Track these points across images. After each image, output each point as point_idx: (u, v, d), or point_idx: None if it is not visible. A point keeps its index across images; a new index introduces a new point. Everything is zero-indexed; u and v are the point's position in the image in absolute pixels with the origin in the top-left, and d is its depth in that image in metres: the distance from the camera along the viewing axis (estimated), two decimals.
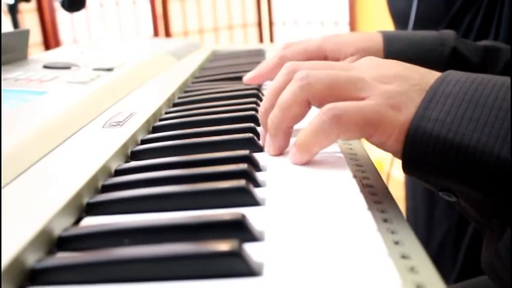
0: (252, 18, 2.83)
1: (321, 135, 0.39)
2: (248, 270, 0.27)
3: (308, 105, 0.42)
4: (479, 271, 0.45)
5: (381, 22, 2.05)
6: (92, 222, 0.34)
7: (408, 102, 0.38)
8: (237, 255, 0.27)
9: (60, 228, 0.32)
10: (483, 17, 1.13)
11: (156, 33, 2.52)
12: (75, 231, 0.32)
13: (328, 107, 0.39)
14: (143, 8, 2.49)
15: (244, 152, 0.42)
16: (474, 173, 0.35)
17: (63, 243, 0.31)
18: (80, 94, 0.59)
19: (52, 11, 2.24)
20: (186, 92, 0.72)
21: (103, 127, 0.51)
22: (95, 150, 0.44)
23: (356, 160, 0.45)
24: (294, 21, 2.75)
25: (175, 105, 0.65)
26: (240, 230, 0.30)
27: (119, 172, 0.42)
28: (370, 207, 0.34)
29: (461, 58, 0.63)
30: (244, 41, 2.84)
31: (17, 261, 0.27)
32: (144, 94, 0.67)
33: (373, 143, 0.41)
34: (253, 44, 2.82)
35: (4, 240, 0.28)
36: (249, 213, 0.32)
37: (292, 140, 0.43)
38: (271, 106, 0.44)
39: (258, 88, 0.68)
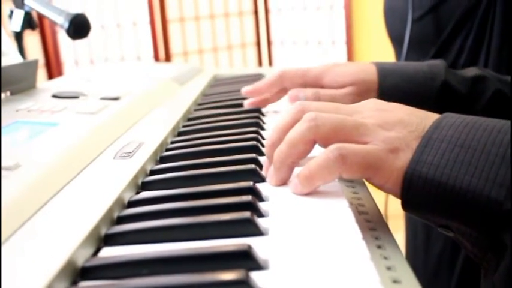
0: (251, 38, 2.88)
1: (325, 172, 0.42)
2: None
3: (313, 144, 0.45)
4: (475, 284, 0.47)
5: (377, 42, 2.10)
6: (110, 253, 0.37)
7: (406, 147, 0.42)
8: (245, 283, 0.30)
9: (83, 258, 0.35)
10: (474, 38, 1.17)
11: (156, 54, 2.56)
12: (97, 261, 0.35)
13: (335, 146, 0.42)
14: (144, 30, 2.54)
15: (248, 183, 0.45)
16: (467, 212, 0.38)
17: (86, 272, 0.34)
18: (90, 125, 0.62)
19: (54, 33, 2.29)
20: (189, 119, 0.75)
21: (114, 158, 0.54)
22: (108, 182, 0.47)
23: (353, 187, 0.48)
24: (292, 41, 2.80)
25: (180, 134, 0.68)
26: (246, 259, 0.33)
27: (132, 203, 0.45)
28: (364, 235, 0.37)
29: (451, 90, 0.67)
30: (243, 60, 2.88)
31: None
32: (151, 123, 0.70)
33: (373, 184, 0.44)
34: (252, 65, 2.88)
35: (34, 271, 0.31)
36: (254, 243, 0.35)
37: (295, 171, 0.47)
38: (279, 140, 0.47)
39: (259, 116, 0.71)
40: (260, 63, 2.93)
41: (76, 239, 0.36)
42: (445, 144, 0.40)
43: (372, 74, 0.68)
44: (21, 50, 1.21)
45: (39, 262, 0.32)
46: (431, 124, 0.43)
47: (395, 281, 0.33)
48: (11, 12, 1.10)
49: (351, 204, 0.43)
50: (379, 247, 0.38)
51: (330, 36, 2.69)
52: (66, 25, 1.03)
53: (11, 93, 0.81)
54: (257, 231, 0.38)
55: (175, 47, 2.63)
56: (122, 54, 2.52)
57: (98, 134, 0.60)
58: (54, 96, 0.80)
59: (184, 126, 0.71)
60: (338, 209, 0.41)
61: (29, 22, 1.22)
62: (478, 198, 0.37)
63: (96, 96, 0.79)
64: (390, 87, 0.66)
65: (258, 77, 1.09)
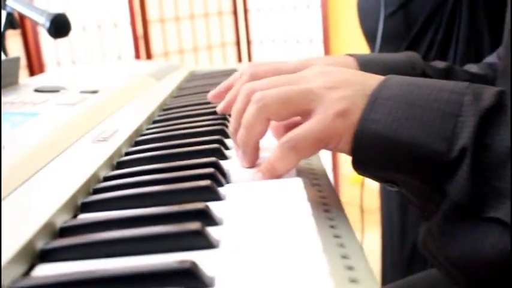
0: (231, 37, 2.93)
1: (284, 163, 0.46)
2: None
3: (269, 121, 0.49)
4: None
5: (353, 39, 2.15)
6: (86, 217, 0.42)
7: (353, 107, 0.45)
8: None
9: (62, 221, 0.40)
10: (443, 32, 1.22)
11: (137, 55, 2.60)
12: (73, 222, 0.40)
13: (283, 140, 0.46)
14: (124, 31, 2.57)
15: (211, 159, 0.50)
16: (413, 164, 0.42)
17: (63, 231, 0.39)
18: (70, 115, 0.67)
19: (35, 34, 2.32)
20: (164, 110, 0.80)
21: (92, 142, 0.59)
22: (86, 162, 0.52)
23: (316, 180, 0.51)
24: (271, 40, 2.85)
25: (155, 122, 0.73)
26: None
27: (107, 178, 0.50)
28: (325, 243, 0.36)
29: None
30: (223, 60, 2.93)
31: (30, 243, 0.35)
32: (127, 113, 0.75)
33: (327, 149, 0.48)
34: (231, 63, 2.92)
35: (20, 230, 0.36)
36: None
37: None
38: (238, 125, 0.50)
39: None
40: (240, 62, 2.97)
41: (56, 205, 0.40)
42: (391, 102, 0.43)
43: (351, 65, 0.68)
44: (4, 50, 1.25)
45: (25, 223, 0.37)
46: (378, 84, 0.46)
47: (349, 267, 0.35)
48: None
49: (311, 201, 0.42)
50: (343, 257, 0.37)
51: (307, 34, 2.74)
52: (48, 24, 1.07)
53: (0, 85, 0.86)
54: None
55: (156, 47, 2.67)
56: (103, 55, 2.56)
57: (77, 123, 0.65)
58: (36, 90, 0.84)
59: (159, 116, 0.76)
60: (297, 215, 0.39)
61: (11, 22, 1.25)
62: (423, 151, 0.41)
63: (76, 90, 0.83)
64: None
65: (232, 73, 1.14)
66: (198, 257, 0.34)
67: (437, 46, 1.24)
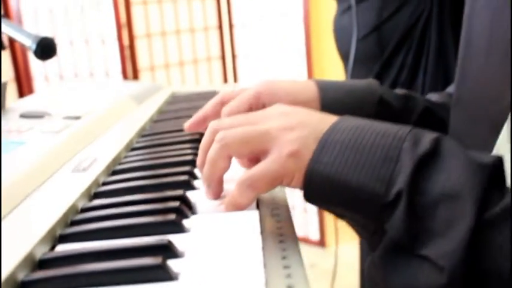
0: (216, 52, 2.99)
1: (244, 198, 0.52)
2: None
3: (231, 158, 0.55)
4: None
5: (335, 55, 2.22)
6: (64, 249, 0.47)
7: (304, 148, 0.50)
8: None
9: (41, 253, 0.45)
10: (414, 55, 1.29)
11: (124, 70, 2.65)
12: (52, 255, 0.45)
13: (240, 180, 0.51)
14: (111, 46, 2.63)
15: (178, 193, 0.55)
16: (356, 204, 0.47)
17: (42, 264, 0.44)
18: (53, 143, 0.72)
19: (24, 51, 2.36)
20: (143, 136, 0.85)
21: (72, 172, 0.64)
22: (65, 192, 0.57)
23: (277, 210, 0.56)
24: (256, 55, 2.92)
25: (133, 149, 0.78)
26: None
27: (84, 210, 0.55)
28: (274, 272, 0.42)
29: (387, 105, 0.73)
30: (209, 74, 2.99)
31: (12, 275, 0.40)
32: (107, 141, 0.80)
33: (282, 186, 0.53)
34: (217, 78, 2.98)
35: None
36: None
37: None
38: (203, 161, 0.56)
39: (199, 135, 0.79)
40: (225, 76, 3.03)
41: (36, 237, 0.45)
42: (338, 146, 0.48)
43: (312, 91, 0.70)
44: None
45: (7, 254, 0.42)
46: (329, 127, 0.51)
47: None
48: None
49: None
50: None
51: (291, 51, 2.82)
52: (34, 47, 1.11)
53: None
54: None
55: (142, 62, 2.73)
56: (90, 70, 2.61)
57: (59, 152, 0.70)
58: (22, 116, 0.89)
59: (137, 142, 0.81)
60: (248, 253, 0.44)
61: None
62: (365, 192, 0.46)
63: (60, 116, 0.88)
64: (331, 100, 0.70)
65: (212, 95, 1.20)
66: None
67: (407, 69, 1.30)
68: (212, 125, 0.57)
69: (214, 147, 0.54)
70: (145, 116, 0.97)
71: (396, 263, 0.46)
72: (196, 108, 1.02)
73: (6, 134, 0.77)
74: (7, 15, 2.37)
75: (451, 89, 0.85)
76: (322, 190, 0.49)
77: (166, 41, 2.81)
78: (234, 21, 2.96)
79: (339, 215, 0.52)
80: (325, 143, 0.49)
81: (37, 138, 0.75)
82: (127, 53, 2.65)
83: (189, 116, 0.92)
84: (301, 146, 0.50)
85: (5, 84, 0.97)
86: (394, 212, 0.45)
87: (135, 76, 2.70)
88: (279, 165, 0.50)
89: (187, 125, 0.73)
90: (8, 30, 1.16)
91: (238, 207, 0.53)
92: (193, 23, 2.88)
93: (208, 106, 0.72)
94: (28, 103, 1.03)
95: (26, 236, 0.46)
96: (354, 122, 0.51)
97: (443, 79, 1.25)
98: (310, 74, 2.74)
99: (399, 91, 0.79)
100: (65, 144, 0.73)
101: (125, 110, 1.01)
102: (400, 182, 0.45)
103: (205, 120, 0.72)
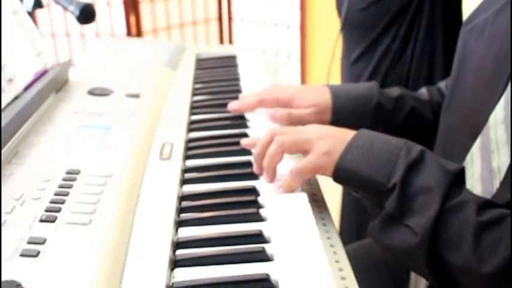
0: (214, 14, 3.20)
1: (295, 182, 0.76)
2: None
3: (283, 154, 0.78)
4: None
5: (328, 28, 2.42)
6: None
7: (334, 150, 0.74)
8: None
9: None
10: (406, 29, 1.47)
11: (128, 31, 2.86)
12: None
13: (292, 169, 0.76)
14: (117, 9, 2.85)
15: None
16: (367, 188, 0.72)
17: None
18: (136, 129, 0.90)
19: None
20: (193, 123, 1.02)
21: (160, 160, 0.84)
22: (167, 182, 0.78)
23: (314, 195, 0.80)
24: (252, 20, 3.09)
25: (191, 130, 0.97)
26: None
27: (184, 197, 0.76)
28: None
29: (382, 107, 0.98)
30: (206, 35, 3.20)
31: None
32: (170, 121, 0.98)
33: (319, 174, 0.77)
34: (214, 39, 3.19)
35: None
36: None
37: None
38: (262, 154, 0.79)
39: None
40: (221, 38, 3.23)
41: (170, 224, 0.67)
42: (358, 150, 0.72)
43: (327, 97, 0.98)
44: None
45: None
46: (352, 137, 0.74)
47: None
48: None
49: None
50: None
51: (285, 20, 3.00)
52: (77, 13, 1.25)
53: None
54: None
55: (146, 24, 2.91)
56: (96, 30, 2.77)
57: (143, 138, 0.89)
58: (90, 93, 1.05)
59: (192, 123, 1.01)
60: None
61: (38, 2, 1.40)
62: (373, 181, 0.70)
63: (122, 93, 1.04)
64: (340, 107, 0.97)
65: (232, 59, 1.38)
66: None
67: (399, 39, 1.47)
68: (271, 130, 0.81)
69: (274, 146, 0.78)
70: (187, 88, 1.15)
71: (389, 228, 0.71)
72: (227, 80, 1.21)
73: (83, 116, 0.93)
74: None
75: (443, 84, 1.07)
76: (346, 178, 0.74)
77: (168, 4, 3.00)
78: None
79: (356, 192, 0.76)
80: (349, 147, 0.74)
81: (119, 122, 0.92)
82: (132, 16, 2.81)
83: (226, 92, 1.13)
84: (331, 148, 0.75)
85: (68, 62, 1.13)
86: (390, 195, 0.70)
87: (139, 37, 2.90)
88: (318, 160, 0.75)
89: (233, 107, 1.01)
90: None
91: (291, 188, 0.77)
92: None
93: (249, 102, 1.00)
94: (84, 76, 1.18)
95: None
96: (368, 135, 0.75)
97: (430, 52, 1.45)
98: (303, 40, 2.96)
99: (393, 92, 1.02)
100: (145, 129, 0.91)
101: (168, 80, 1.17)
102: (397, 177, 0.70)
103: (248, 110, 1.01)
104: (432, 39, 1.45)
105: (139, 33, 2.88)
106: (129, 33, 2.85)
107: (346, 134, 0.76)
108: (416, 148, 0.72)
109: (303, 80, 3.11)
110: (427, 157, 0.71)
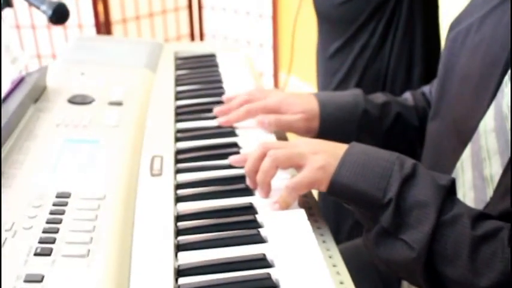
0: (183, 2, 3.13)
1: (291, 198, 0.75)
2: None
3: (277, 168, 0.77)
4: None
5: (301, 18, 2.40)
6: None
7: (328, 165, 0.73)
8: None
9: None
10: (384, 25, 1.47)
11: (97, 22, 2.79)
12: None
13: (287, 185, 0.74)
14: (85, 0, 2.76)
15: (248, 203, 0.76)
16: (361, 202, 0.71)
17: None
18: (124, 142, 0.88)
19: None
20: (181, 132, 1.01)
21: (152, 176, 0.82)
22: (161, 201, 0.76)
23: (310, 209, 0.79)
24: (222, 8, 3.04)
25: (178, 140, 0.95)
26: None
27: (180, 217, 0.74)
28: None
29: (368, 114, 0.98)
30: (176, 24, 3.14)
31: None
32: (156, 131, 0.95)
33: (314, 189, 0.76)
34: (184, 28, 3.13)
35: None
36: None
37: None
38: (255, 168, 0.78)
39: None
40: (192, 27, 3.18)
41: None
42: (352, 164, 0.72)
43: (314, 104, 0.97)
44: None
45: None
46: (345, 151, 0.74)
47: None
48: None
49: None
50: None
51: (257, 8, 2.96)
52: (50, 13, 1.20)
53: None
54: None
55: (115, 14, 2.85)
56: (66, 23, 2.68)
57: (131, 152, 0.87)
58: (70, 101, 1.01)
59: (179, 132, 0.98)
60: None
61: (7, 1, 1.35)
62: (368, 196, 0.70)
63: (103, 101, 1.01)
64: (328, 115, 0.96)
65: (212, 58, 1.35)
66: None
67: (378, 35, 1.47)
68: (263, 145, 0.79)
69: (268, 160, 0.77)
70: (169, 92, 1.13)
71: (385, 242, 0.71)
72: (209, 83, 1.19)
73: (66, 128, 0.90)
74: None
75: (426, 88, 1.07)
76: (340, 192, 0.73)
77: None
78: None
79: (347, 204, 0.75)
80: (344, 162, 0.73)
81: (105, 135, 0.89)
82: (100, 6, 2.75)
83: (209, 95, 1.11)
84: (325, 163, 0.74)
85: (45, 68, 1.09)
86: (386, 210, 0.70)
87: (108, 29, 2.83)
88: (313, 175, 0.74)
89: (218, 111, 1.01)
90: None
91: (287, 204, 0.76)
92: None
93: (237, 102, 0.99)
94: (62, 81, 1.14)
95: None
96: (361, 149, 0.75)
97: (409, 47, 1.45)
98: (275, 28, 2.94)
99: (378, 98, 1.02)
100: (132, 141, 0.89)
101: (149, 83, 1.14)
102: (392, 192, 0.70)
103: (231, 111, 0.99)
104: (411, 35, 1.45)
105: (107, 23, 2.81)
106: (97, 24, 2.77)
107: (338, 148, 0.75)
108: (409, 162, 0.72)
109: (276, 69, 3.10)
110: (419, 171, 0.71)
